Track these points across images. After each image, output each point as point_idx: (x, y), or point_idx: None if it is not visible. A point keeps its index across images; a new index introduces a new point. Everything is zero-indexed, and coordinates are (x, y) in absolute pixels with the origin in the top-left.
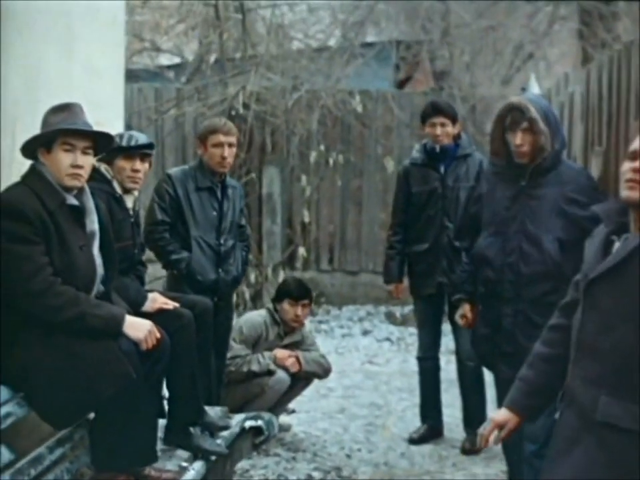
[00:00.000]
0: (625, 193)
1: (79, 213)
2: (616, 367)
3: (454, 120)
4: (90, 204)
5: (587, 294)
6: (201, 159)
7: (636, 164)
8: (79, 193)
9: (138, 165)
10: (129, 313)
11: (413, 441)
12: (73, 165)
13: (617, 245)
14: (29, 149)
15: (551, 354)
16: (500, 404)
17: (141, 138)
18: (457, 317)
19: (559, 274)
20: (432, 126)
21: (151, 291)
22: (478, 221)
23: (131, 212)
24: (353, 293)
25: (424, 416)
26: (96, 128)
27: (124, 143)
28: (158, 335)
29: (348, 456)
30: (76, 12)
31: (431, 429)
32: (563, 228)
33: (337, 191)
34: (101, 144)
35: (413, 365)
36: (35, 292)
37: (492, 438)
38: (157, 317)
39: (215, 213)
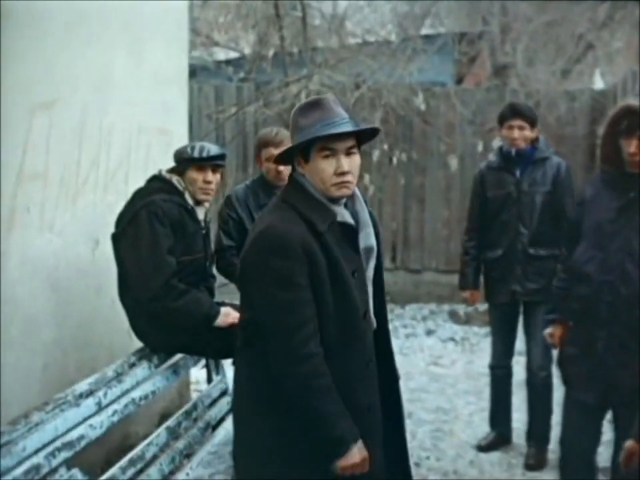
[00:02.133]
0: None
1: (351, 230)
2: None
3: (533, 123)
4: (364, 214)
5: None
6: (261, 172)
7: None
8: (351, 202)
9: (210, 176)
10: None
11: (481, 449)
12: (338, 172)
13: None
14: (286, 159)
15: None
16: (572, 428)
17: (213, 149)
18: (546, 334)
19: None
20: (509, 129)
21: (223, 303)
22: (577, 230)
23: (202, 224)
24: (416, 292)
25: (493, 422)
26: (159, 135)
27: (196, 154)
28: None
29: (417, 464)
30: (143, 18)
31: (500, 436)
32: None
33: (399, 189)
34: (364, 137)
35: (479, 367)
36: (295, 358)
37: None
38: (229, 331)
39: None
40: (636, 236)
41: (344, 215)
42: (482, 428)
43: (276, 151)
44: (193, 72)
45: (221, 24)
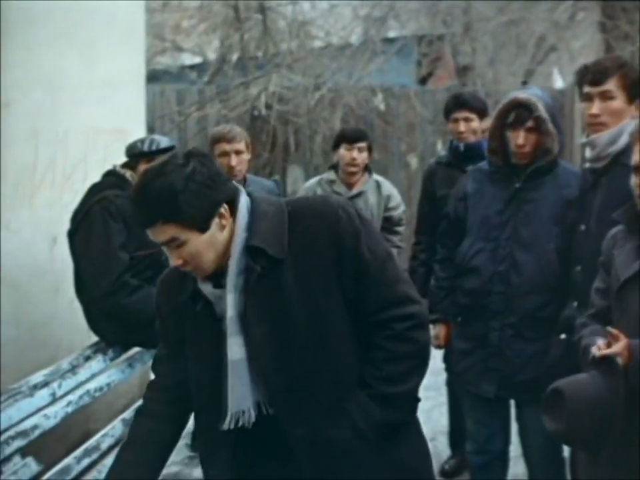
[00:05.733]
0: None
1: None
2: None
3: (481, 114)
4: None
5: (618, 297)
6: None
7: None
8: None
9: None
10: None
11: (445, 474)
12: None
13: None
14: None
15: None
16: (478, 424)
17: (163, 141)
18: (432, 339)
19: (556, 286)
20: (455, 122)
21: None
22: (460, 226)
23: None
24: None
25: (455, 444)
26: (117, 135)
27: (145, 148)
28: None
29: None
30: (96, 20)
31: (464, 460)
32: (561, 235)
33: None
34: None
35: (439, 362)
36: None
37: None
38: None
39: None
40: (523, 225)
41: (205, 293)
42: (440, 422)
43: (229, 146)
44: (157, 77)
45: (183, 29)
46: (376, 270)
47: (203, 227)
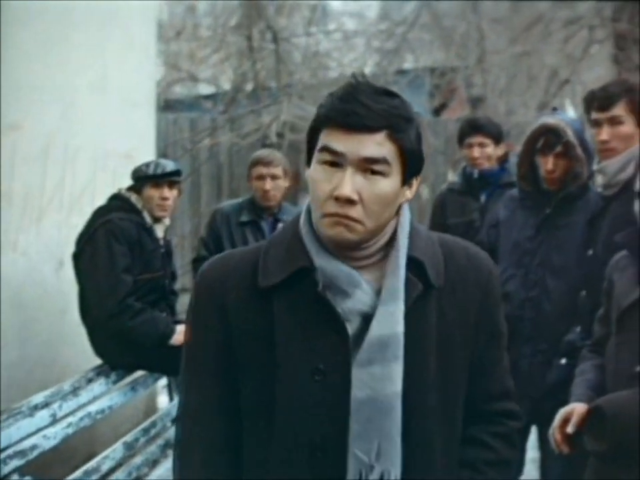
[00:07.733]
0: None
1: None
2: None
3: (496, 140)
4: (393, 281)
5: (619, 323)
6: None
7: None
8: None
9: (166, 192)
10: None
11: None
12: (334, 195)
13: None
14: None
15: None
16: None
17: (168, 165)
18: None
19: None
20: (469, 147)
21: (181, 322)
22: (493, 252)
23: (161, 242)
24: None
25: None
26: (126, 159)
27: (150, 172)
28: None
29: None
30: (110, 45)
31: None
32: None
33: None
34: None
35: None
36: None
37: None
38: None
39: None
40: (554, 251)
41: (330, 272)
42: None
43: (265, 170)
44: (172, 106)
45: (198, 58)
46: (502, 347)
47: (408, 172)
